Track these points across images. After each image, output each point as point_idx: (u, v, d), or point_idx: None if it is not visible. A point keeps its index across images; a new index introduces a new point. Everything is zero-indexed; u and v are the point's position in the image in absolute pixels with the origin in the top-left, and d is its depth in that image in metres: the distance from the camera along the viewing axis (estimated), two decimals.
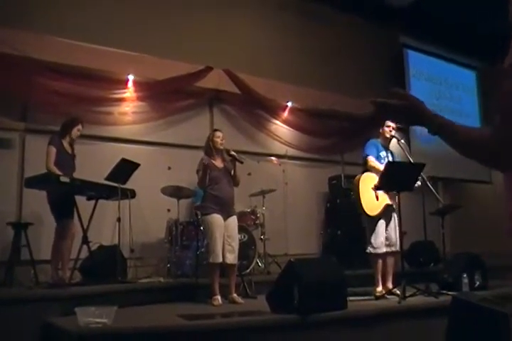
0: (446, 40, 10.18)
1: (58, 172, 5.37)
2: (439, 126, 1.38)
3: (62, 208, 5.49)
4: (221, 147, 5.49)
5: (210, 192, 5.39)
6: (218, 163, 5.50)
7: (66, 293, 4.86)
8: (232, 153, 5.45)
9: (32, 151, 6.22)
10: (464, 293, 4.54)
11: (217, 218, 5.30)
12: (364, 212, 5.38)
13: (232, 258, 5.31)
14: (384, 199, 5.47)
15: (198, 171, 5.43)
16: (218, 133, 5.55)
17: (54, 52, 6.32)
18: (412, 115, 1.40)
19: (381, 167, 5.39)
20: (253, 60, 8.30)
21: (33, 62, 6.20)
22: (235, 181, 5.55)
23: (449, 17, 9.49)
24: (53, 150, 5.51)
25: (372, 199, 5.40)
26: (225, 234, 5.32)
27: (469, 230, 9.39)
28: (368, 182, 5.41)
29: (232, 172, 5.50)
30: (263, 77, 8.11)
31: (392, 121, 5.22)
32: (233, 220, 5.48)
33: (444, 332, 3.32)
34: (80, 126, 5.75)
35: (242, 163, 5.50)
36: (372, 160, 5.53)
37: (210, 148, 5.52)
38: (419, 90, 10.42)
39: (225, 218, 5.37)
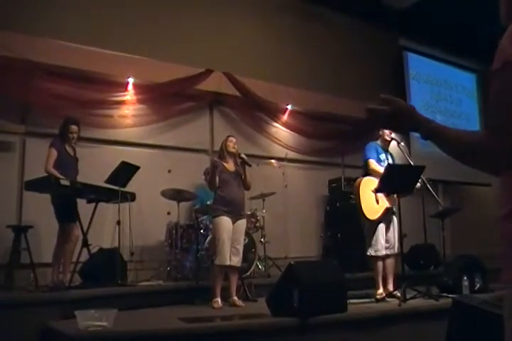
0: (446, 42, 10.19)
1: (57, 174, 5.35)
2: (430, 131, 1.37)
3: (66, 211, 5.47)
4: (233, 150, 5.60)
5: (220, 194, 5.46)
6: (230, 166, 5.57)
7: (66, 296, 4.86)
8: (242, 155, 5.55)
9: (32, 154, 6.22)
10: (464, 296, 4.53)
11: (225, 220, 5.34)
12: (364, 216, 5.40)
13: (236, 260, 5.35)
14: (384, 202, 5.47)
15: (205, 173, 5.49)
16: (231, 138, 5.71)
17: (54, 55, 6.33)
18: (403, 120, 1.40)
19: (382, 170, 5.41)
20: (253, 62, 8.31)
21: (32, 65, 6.20)
22: (245, 184, 5.62)
23: (448, 19, 9.49)
24: (54, 152, 5.49)
25: (372, 203, 5.42)
26: (231, 237, 5.35)
27: (469, 233, 9.38)
28: (368, 186, 5.42)
29: (243, 176, 5.58)
30: (263, 79, 8.12)
31: (385, 128, 5.21)
32: (242, 223, 5.54)
33: (444, 335, 3.32)
34: (72, 129, 5.65)
35: (250, 165, 5.58)
36: (373, 163, 5.54)
37: (222, 152, 5.65)
38: (419, 92, 10.43)
39: (234, 221, 5.42)
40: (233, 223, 5.41)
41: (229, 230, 5.34)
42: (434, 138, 1.37)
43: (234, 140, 5.69)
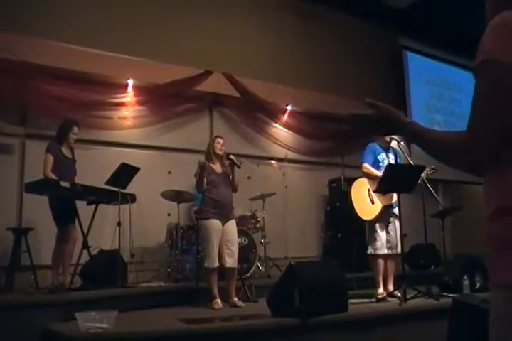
0: (445, 41, 10.18)
1: (55, 179, 5.34)
2: (412, 134, 1.37)
3: (64, 213, 5.48)
4: (220, 152, 5.55)
5: (208, 196, 5.42)
6: (217, 167, 5.53)
7: (66, 298, 4.86)
8: (231, 156, 5.48)
9: (32, 156, 6.21)
10: (464, 295, 4.53)
11: (214, 223, 5.32)
12: (359, 217, 5.46)
13: (231, 262, 5.32)
14: (381, 201, 5.48)
15: (196, 174, 5.45)
16: (219, 140, 5.62)
17: (53, 56, 6.33)
18: (387, 124, 1.41)
19: (376, 172, 5.49)
20: (252, 63, 8.31)
21: (32, 66, 6.20)
22: (233, 186, 5.56)
23: (448, 18, 9.49)
24: (50, 158, 5.46)
25: (366, 203, 5.48)
26: (224, 238, 5.34)
27: (469, 232, 9.35)
28: (359, 188, 5.54)
29: (231, 177, 5.53)
30: (262, 80, 8.12)
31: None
32: (232, 224, 5.49)
33: (445, 334, 3.32)
34: (75, 130, 5.68)
35: (239, 167, 5.51)
36: (366, 166, 5.61)
37: (209, 153, 5.58)
38: (419, 92, 10.43)
39: (224, 222, 5.39)
40: (222, 225, 5.38)
41: (218, 232, 5.32)
42: (418, 141, 1.37)
43: (221, 141, 5.60)
